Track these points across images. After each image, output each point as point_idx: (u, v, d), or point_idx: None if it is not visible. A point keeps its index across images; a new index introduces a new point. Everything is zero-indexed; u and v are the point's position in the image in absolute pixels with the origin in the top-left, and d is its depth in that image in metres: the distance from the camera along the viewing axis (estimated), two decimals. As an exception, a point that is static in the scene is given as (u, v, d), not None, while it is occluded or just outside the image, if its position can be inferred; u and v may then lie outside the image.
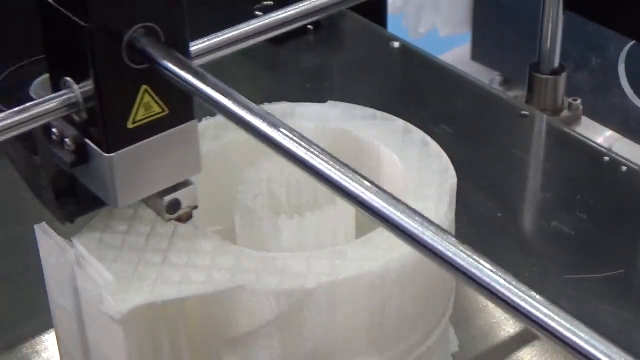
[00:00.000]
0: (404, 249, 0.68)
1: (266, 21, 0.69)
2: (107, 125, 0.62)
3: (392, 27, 1.27)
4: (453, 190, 0.73)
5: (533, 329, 0.47)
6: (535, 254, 0.90)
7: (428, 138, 0.77)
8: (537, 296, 0.47)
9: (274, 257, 0.67)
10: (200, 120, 0.77)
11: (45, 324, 0.81)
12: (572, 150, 1.01)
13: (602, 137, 1.07)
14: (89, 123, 0.62)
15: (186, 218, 0.67)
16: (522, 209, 0.98)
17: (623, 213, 0.94)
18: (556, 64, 1.07)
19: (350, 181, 0.55)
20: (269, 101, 0.80)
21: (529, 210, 0.98)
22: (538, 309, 0.47)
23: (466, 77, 1.12)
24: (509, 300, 0.48)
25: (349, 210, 0.73)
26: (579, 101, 1.09)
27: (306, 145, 0.56)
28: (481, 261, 0.50)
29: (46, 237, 0.68)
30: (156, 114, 0.63)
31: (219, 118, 0.79)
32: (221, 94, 0.59)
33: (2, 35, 0.98)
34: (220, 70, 1.13)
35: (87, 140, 0.63)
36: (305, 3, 0.71)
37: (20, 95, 0.65)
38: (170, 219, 0.67)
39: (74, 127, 0.63)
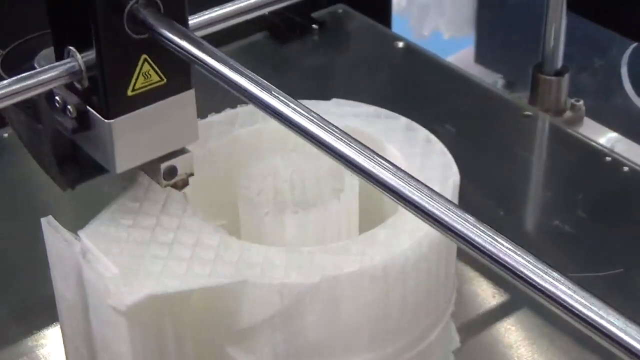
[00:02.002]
0: (406, 245, 0.68)
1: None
2: (108, 92, 0.64)
3: (396, 29, 1.28)
4: (456, 187, 0.73)
5: (548, 304, 0.48)
6: (536, 251, 0.90)
7: (431, 136, 0.77)
8: (555, 273, 0.48)
9: (278, 252, 0.68)
10: (206, 117, 0.78)
11: (50, 318, 0.81)
12: (575, 150, 1.02)
13: (605, 138, 1.07)
14: (90, 91, 0.65)
15: (182, 185, 0.70)
16: (524, 208, 0.98)
17: (624, 213, 0.94)
18: (559, 65, 1.08)
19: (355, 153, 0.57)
20: (274, 98, 0.80)
21: (531, 210, 0.98)
22: (555, 285, 0.48)
23: (470, 78, 1.13)
24: (528, 278, 0.49)
25: (352, 206, 0.74)
26: (581, 102, 1.09)
27: (302, 110, 0.58)
28: (499, 239, 0.50)
29: (52, 231, 0.69)
30: (155, 83, 0.66)
31: (224, 115, 0.79)
32: (219, 61, 0.61)
33: (9, 11, 1.00)
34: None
35: (89, 108, 0.66)
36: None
37: (26, 67, 0.67)
38: (167, 185, 0.69)
39: (76, 95, 0.66)
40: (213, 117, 0.78)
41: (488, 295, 0.86)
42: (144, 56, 0.65)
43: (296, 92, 0.82)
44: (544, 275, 0.48)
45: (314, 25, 1.18)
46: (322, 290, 0.66)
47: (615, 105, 1.24)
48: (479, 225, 0.51)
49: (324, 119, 0.58)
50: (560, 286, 0.48)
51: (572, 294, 0.47)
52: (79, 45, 0.64)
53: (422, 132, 0.77)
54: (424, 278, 0.70)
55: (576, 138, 1.03)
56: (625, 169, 0.98)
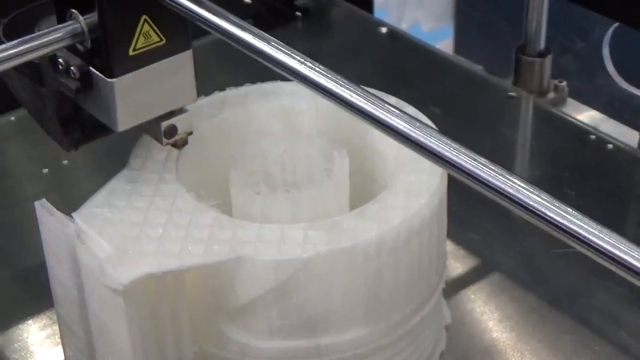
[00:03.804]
0: (397, 221, 0.69)
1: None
2: (110, 52, 0.67)
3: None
4: (445, 163, 0.74)
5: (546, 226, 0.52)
6: (524, 229, 0.92)
7: (420, 113, 0.78)
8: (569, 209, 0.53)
9: (271, 229, 0.68)
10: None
11: (44, 304, 0.82)
12: (560, 129, 1.03)
13: (588, 118, 1.08)
14: (93, 52, 0.67)
15: (182, 144, 0.72)
16: (511, 186, 0.99)
17: (610, 189, 0.95)
18: (542, 46, 1.09)
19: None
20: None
21: (518, 188, 0.99)
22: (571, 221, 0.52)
23: (454, 61, 1.14)
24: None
25: (343, 184, 0.74)
26: (564, 83, 1.10)
27: (307, 62, 0.62)
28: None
29: (46, 213, 0.69)
30: (155, 43, 0.68)
31: (213, 97, 0.80)
32: (219, 17, 0.64)
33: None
34: (207, 55, 1.15)
35: (91, 69, 0.68)
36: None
37: (27, 35, 0.69)
38: (167, 144, 0.72)
39: (79, 57, 0.68)
40: (202, 100, 0.79)
41: (476, 270, 0.87)
42: (144, 17, 0.67)
43: (280, 78, 0.83)
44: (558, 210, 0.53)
45: (297, 13, 1.18)
46: (316, 266, 0.67)
47: (598, 85, 1.25)
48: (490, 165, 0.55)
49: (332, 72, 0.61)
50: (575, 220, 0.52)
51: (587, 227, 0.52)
52: (81, 8, 0.66)
53: (411, 110, 0.78)
54: (415, 253, 0.71)
55: (561, 117, 1.04)
56: (610, 146, 0.99)
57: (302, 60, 0.62)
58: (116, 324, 0.67)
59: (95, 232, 0.68)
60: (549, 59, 1.09)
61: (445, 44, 1.82)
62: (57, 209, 0.70)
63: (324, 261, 0.67)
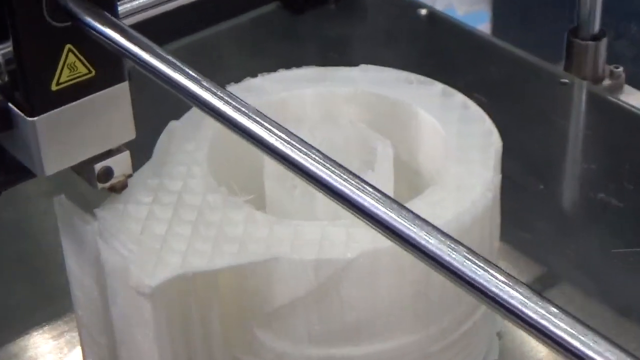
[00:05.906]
0: (448, 217, 0.68)
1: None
2: (29, 87, 0.62)
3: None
4: (498, 155, 0.73)
5: (547, 346, 0.46)
6: (581, 228, 0.91)
7: (469, 101, 0.77)
8: (553, 309, 0.46)
9: (310, 226, 0.67)
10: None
11: (61, 308, 0.82)
12: (618, 118, 1.02)
13: (647, 106, 1.07)
14: (11, 86, 0.63)
15: (121, 187, 0.68)
16: (566, 181, 0.98)
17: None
18: (596, 29, 1.07)
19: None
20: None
21: (573, 182, 0.98)
22: (555, 324, 0.46)
23: (499, 44, 1.13)
24: (524, 315, 0.47)
25: (387, 176, 0.73)
26: (621, 69, 1.09)
27: (239, 105, 0.56)
28: (496, 274, 0.50)
29: (66, 211, 0.69)
30: (82, 75, 0.63)
31: (244, 85, 0.79)
32: (149, 53, 0.58)
33: None
34: (237, 40, 1.14)
35: (11, 105, 0.63)
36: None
37: None
38: (102, 188, 0.67)
39: None
40: (231, 87, 0.78)
41: (528, 271, 0.86)
42: (68, 46, 0.62)
43: (314, 63, 0.82)
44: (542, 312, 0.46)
45: (330, -6, 1.17)
46: (360, 266, 0.66)
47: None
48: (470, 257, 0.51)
49: (271, 120, 0.55)
50: (559, 323, 0.46)
51: (570, 330, 0.46)
52: None
53: (459, 98, 0.78)
54: (467, 252, 0.69)
55: (618, 105, 1.03)
56: (672, 136, 0.98)
57: (241, 107, 0.56)
58: (142, 329, 0.66)
59: (120, 230, 0.67)
60: (604, 43, 1.07)
61: (482, 28, 1.81)
62: (81, 200, 0.69)
63: (368, 261, 0.66)
